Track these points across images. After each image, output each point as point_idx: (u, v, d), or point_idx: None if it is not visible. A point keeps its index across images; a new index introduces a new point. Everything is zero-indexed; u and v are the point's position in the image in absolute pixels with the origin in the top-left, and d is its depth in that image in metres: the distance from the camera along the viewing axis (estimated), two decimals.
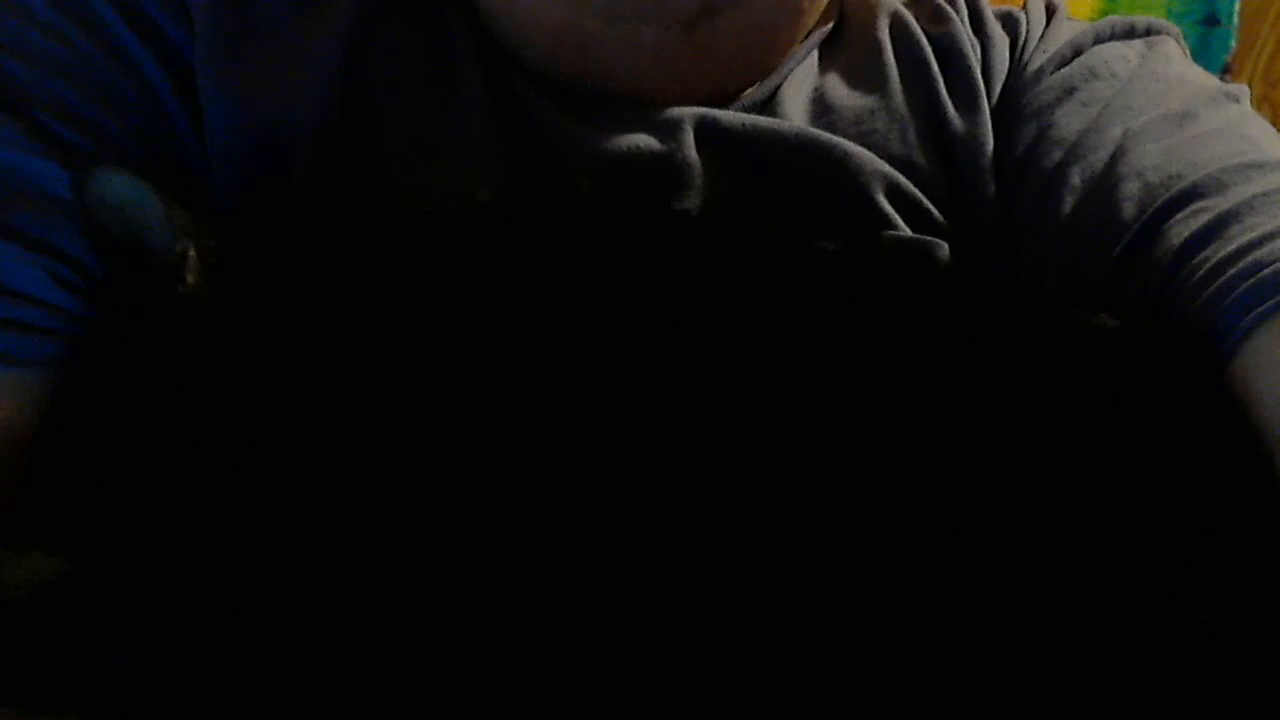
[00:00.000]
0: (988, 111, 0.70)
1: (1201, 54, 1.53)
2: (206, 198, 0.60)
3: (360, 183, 0.60)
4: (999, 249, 0.68)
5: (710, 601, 0.41)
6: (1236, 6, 1.55)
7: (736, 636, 0.41)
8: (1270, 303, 0.52)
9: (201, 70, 0.60)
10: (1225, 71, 1.54)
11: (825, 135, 0.67)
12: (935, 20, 0.73)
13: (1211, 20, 1.54)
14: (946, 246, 0.66)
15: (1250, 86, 1.61)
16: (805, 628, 0.41)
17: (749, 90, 0.70)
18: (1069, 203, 0.64)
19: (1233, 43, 1.55)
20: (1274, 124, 1.62)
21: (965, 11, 0.74)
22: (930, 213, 0.68)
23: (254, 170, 0.60)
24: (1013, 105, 0.70)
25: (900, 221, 0.66)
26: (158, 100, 0.61)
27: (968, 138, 0.69)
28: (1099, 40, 0.72)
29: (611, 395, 0.43)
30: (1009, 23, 0.74)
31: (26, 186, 0.57)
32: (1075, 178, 0.64)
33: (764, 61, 0.70)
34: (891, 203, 0.67)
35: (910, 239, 0.66)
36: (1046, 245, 0.65)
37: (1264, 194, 0.56)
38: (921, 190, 0.68)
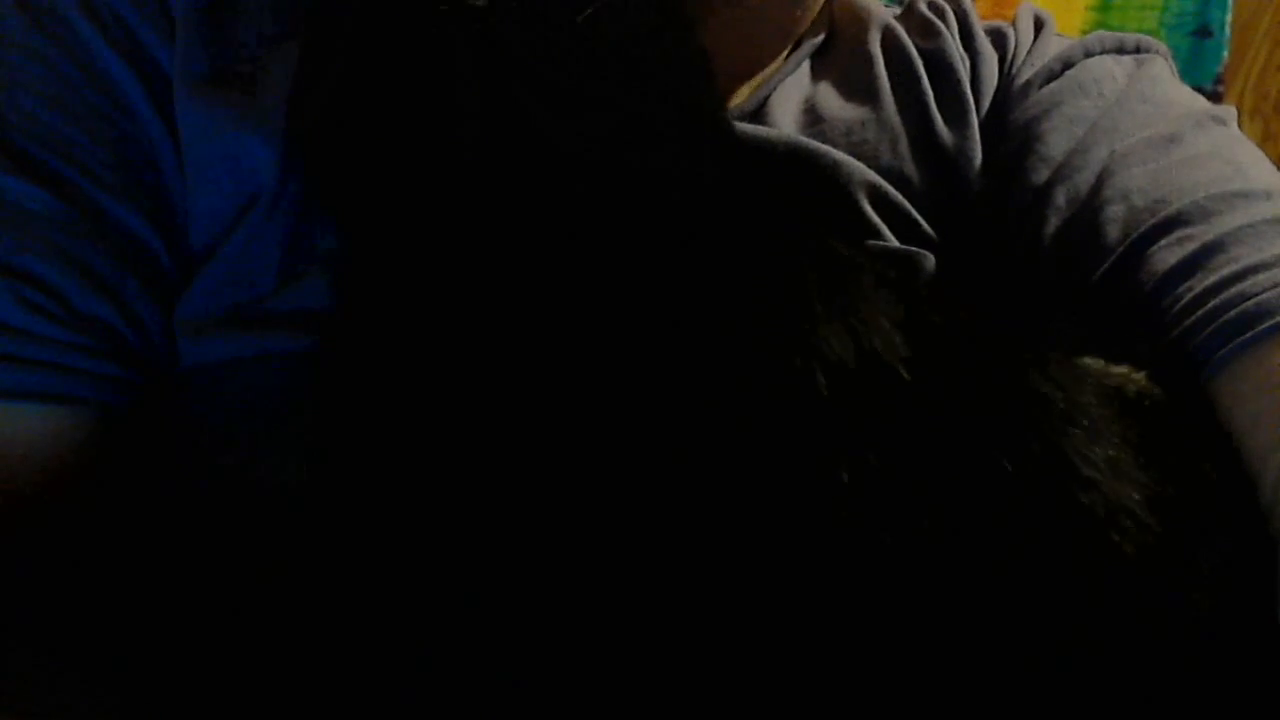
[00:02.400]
0: (976, 125, 0.70)
1: (1193, 66, 1.53)
2: (183, 212, 0.60)
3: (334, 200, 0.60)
4: (985, 262, 0.68)
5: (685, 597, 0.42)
6: (1228, 19, 1.56)
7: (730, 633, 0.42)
8: (1250, 333, 0.53)
9: (179, 93, 0.60)
10: (1217, 83, 1.54)
11: (814, 144, 0.68)
12: (926, 35, 0.73)
13: (1204, 32, 1.55)
14: (932, 258, 0.67)
15: (1242, 98, 1.62)
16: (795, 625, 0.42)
17: (738, 99, 0.70)
18: (1053, 223, 0.65)
19: (1225, 54, 1.55)
20: (1266, 137, 1.62)
21: (955, 26, 0.74)
22: (918, 224, 0.68)
23: (228, 187, 0.60)
24: (1001, 119, 0.71)
25: (887, 232, 0.67)
26: (135, 118, 0.60)
27: (956, 151, 0.70)
28: (1089, 54, 0.72)
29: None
30: (998, 38, 0.74)
31: (2, 210, 0.57)
32: (1060, 198, 0.65)
33: (757, 62, 0.71)
34: (879, 213, 0.67)
35: (896, 250, 0.67)
36: (1031, 262, 0.65)
37: (1249, 225, 0.57)
38: (910, 201, 0.68)
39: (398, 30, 0.64)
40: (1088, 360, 0.54)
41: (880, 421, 0.43)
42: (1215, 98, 1.59)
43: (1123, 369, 0.54)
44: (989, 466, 0.44)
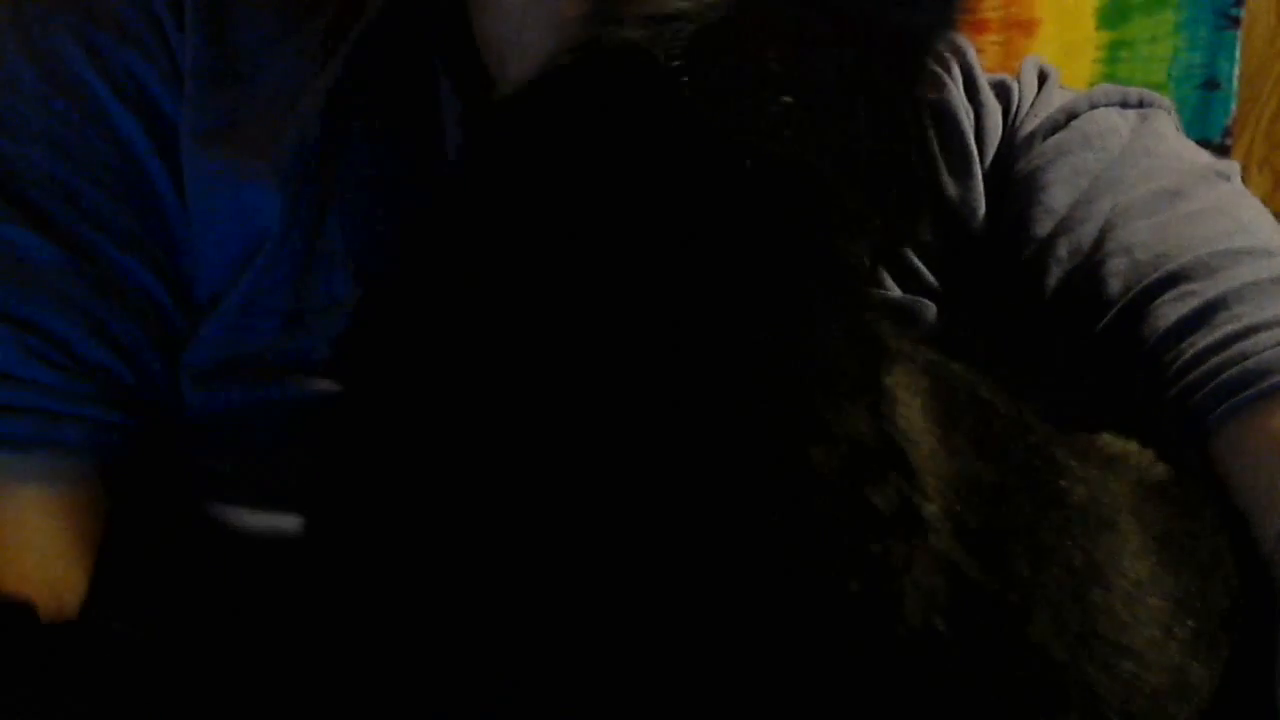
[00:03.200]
0: (980, 177, 0.71)
1: (1202, 118, 1.53)
2: (189, 261, 0.61)
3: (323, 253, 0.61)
4: (987, 312, 0.68)
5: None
6: (1236, 70, 1.56)
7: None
8: (1250, 391, 0.53)
9: (187, 147, 0.61)
10: (1226, 135, 1.54)
11: None
12: (930, 86, 0.73)
13: (1211, 84, 1.55)
14: (934, 307, 0.67)
15: (1251, 148, 1.62)
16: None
17: None
18: (1056, 274, 0.65)
19: (1233, 106, 1.55)
20: (1276, 186, 1.62)
21: (960, 78, 0.74)
22: (920, 272, 0.68)
23: (234, 236, 0.61)
24: (1005, 171, 0.71)
25: (889, 280, 0.67)
26: (142, 169, 0.61)
27: (960, 201, 0.70)
28: (1093, 106, 0.72)
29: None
30: (1002, 91, 0.74)
31: (7, 259, 0.58)
32: (1063, 249, 0.65)
33: None
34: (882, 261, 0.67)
35: (897, 299, 0.67)
36: (1033, 313, 0.65)
37: (1254, 283, 0.57)
38: (913, 250, 0.68)
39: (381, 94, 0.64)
40: (1107, 439, 0.53)
41: (892, 518, 0.41)
42: (1223, 151, 1.59)
43: (1134, 447, 0.53)
44: (1018, 582, 0.43)
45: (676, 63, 0.44)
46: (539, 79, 0.46)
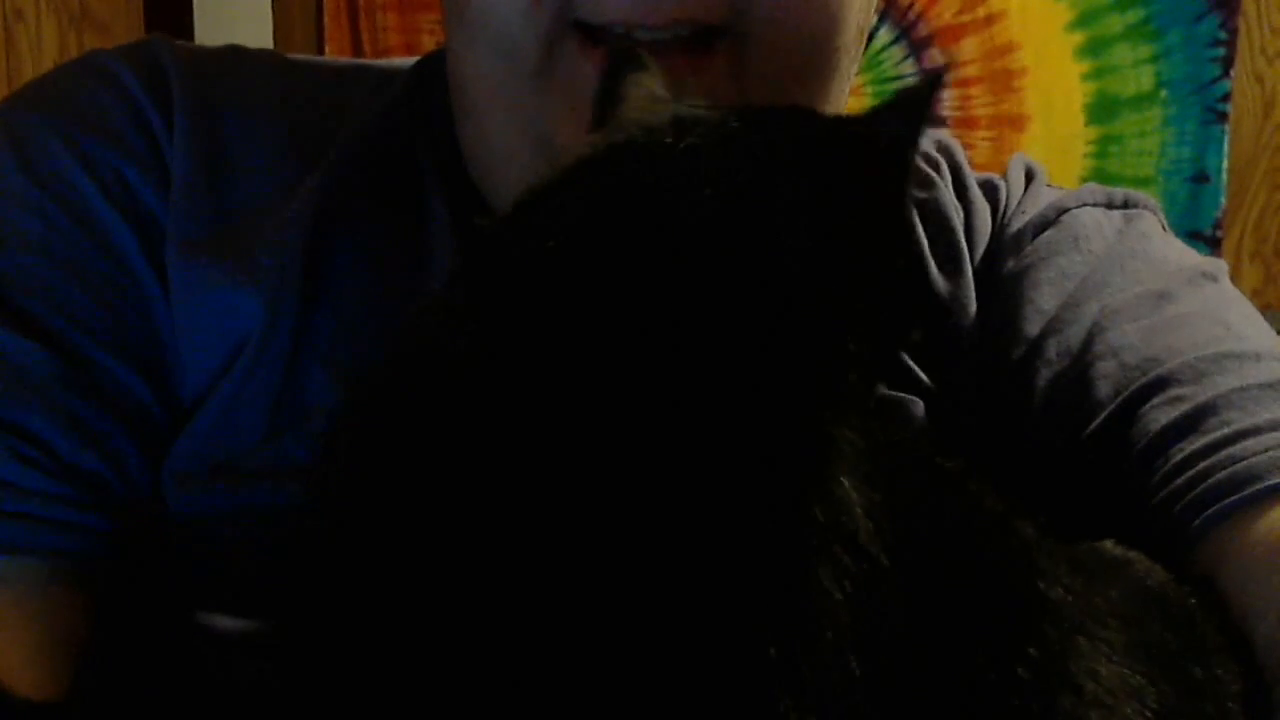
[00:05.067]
0: (970, 274, 0.71)
1: (1192, 211, 1.55)
2: (174, 363, 0.62)
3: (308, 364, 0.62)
4: (977, 409, 0.68)
5: None
6: (1224, 164, 1.58)
7: None
8: (1240, 495, 0.53)
9: (172, 253, 0.62)
10: (1217, 227, 1.56)
11: None
12: (921, 185, 0.74)
13: (1201, 177, 1.57)
14: (922, 404, 0.67)
15: (1242, 242, 1.64)
16: None
17: None
18: (1045, 375, 0.65)
19: (1222, 199, 1.57)
20: (1266, 280, 1.64)
21: (949, 177, 0.75)
22: (911, 370, 0.68)
23: (217, 339, 0.62)
24: (994, 269, 0.71)
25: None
26: (130, 272, 0.62)
27: (951, 299, 0.70)
28: (1080, 205, 0.73)
29: None
30: (990, 189, 0.75)
31: None
32: (1051, 351, 0.65)
33: None
34: None
35: (886, 395, 0.67)
36: (1022, 413, 0.65)
37: (1241, 388, 0.57)
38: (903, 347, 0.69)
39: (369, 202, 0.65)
40: (1109, 545, 0.52)
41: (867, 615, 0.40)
42: (1215, 242, 1.61)
43: (1136, 554, 0.53)
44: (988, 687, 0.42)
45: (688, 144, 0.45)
46: (525, 200, 0.46)
